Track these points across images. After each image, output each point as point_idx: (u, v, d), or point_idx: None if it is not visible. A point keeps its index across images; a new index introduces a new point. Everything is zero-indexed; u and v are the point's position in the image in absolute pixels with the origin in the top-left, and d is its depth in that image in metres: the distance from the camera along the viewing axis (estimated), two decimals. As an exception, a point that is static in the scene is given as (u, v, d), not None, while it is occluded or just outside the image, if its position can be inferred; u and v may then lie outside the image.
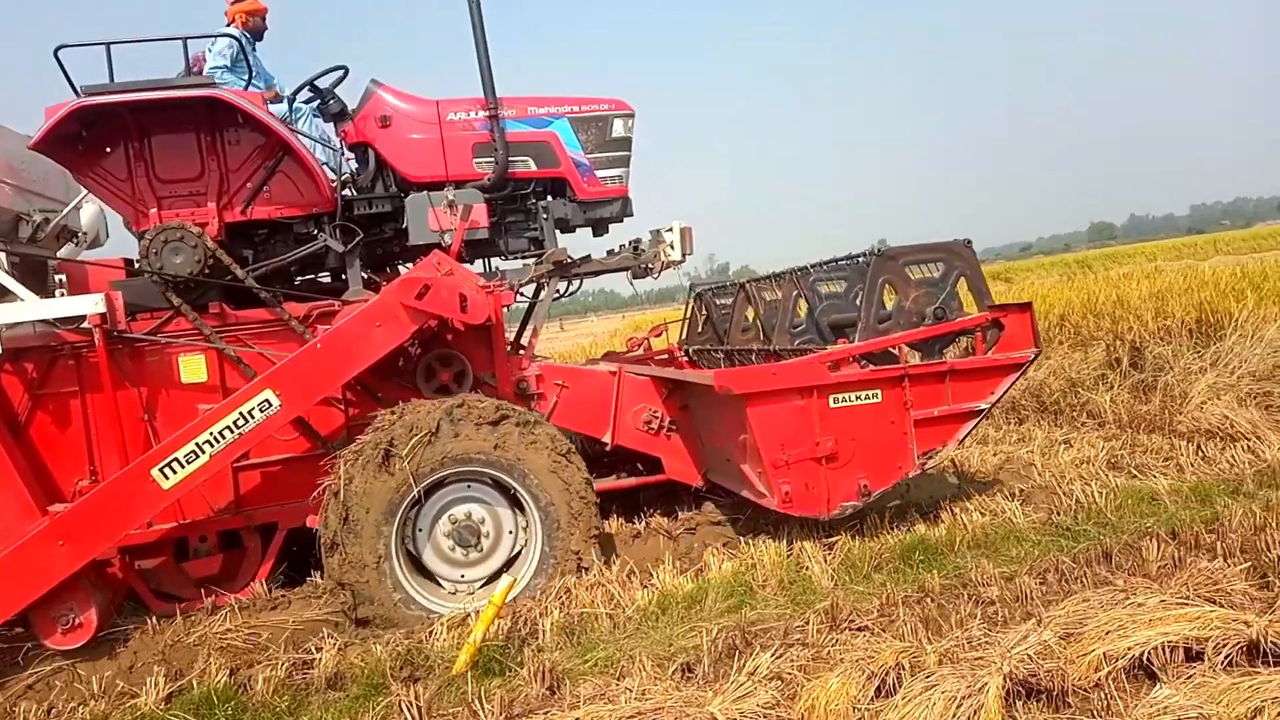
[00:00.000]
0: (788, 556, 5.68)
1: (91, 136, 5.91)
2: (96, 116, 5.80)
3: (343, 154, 6.81)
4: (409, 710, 4.16)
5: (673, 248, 6.80)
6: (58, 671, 5.30)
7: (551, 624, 5.12)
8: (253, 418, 5.48)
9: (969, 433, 5.69)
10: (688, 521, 6.55)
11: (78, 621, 5.48)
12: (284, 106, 6.67)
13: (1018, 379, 5.77)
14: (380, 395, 6.29)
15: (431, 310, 5.65)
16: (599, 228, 7.21)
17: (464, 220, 6.29)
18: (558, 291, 7.19)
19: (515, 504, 5.80)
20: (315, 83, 6.68)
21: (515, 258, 7.06)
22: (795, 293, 6.81)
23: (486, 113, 6.58)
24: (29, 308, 5.50)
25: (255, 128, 5.96)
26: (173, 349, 6.00)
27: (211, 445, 5.44)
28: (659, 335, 9.46)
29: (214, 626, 5.49)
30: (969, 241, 5.84)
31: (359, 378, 6.15)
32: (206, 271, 5.88)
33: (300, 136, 6.23)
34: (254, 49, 6.78)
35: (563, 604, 5.36)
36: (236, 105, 5.75)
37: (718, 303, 8.51)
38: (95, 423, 5.89)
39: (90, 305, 5.59)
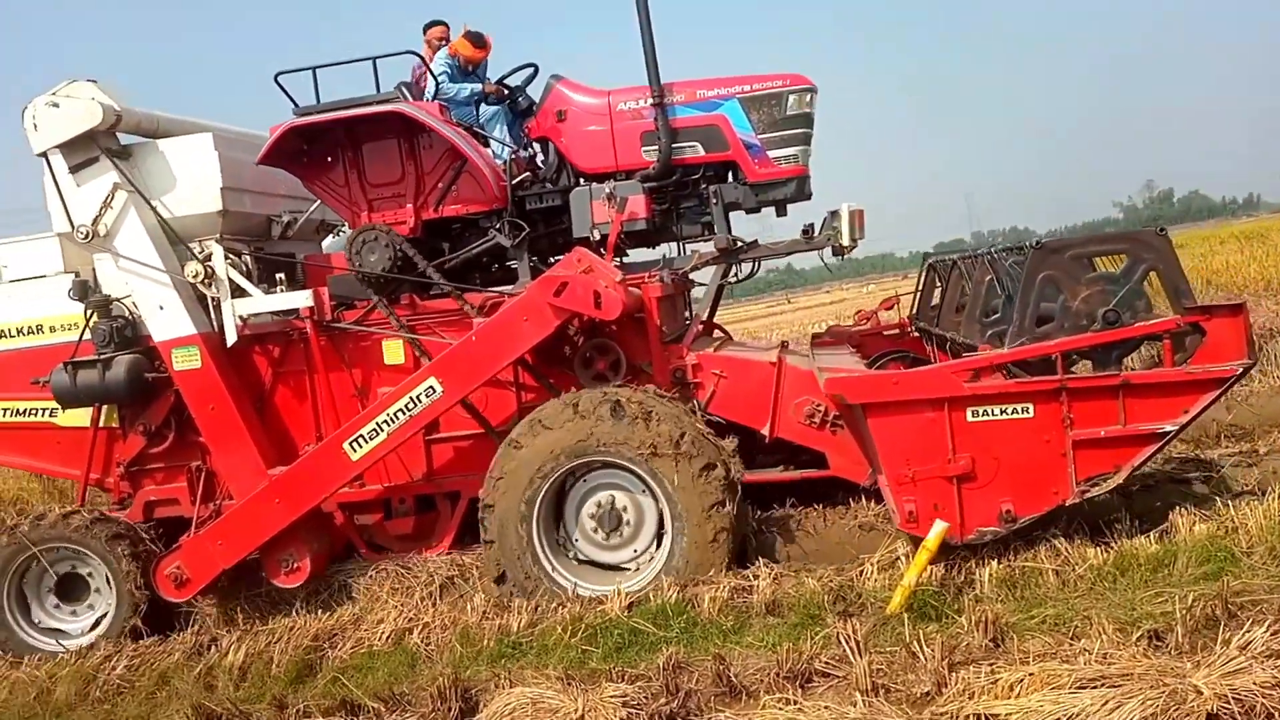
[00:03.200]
0: None
1: (313, 150, 6.81)
2: (315, 132, 6.68)
3: (530, 149, 7.16)
4: (847, 644, 4.30)
5: (841, 232, 6.36)
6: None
7: (990, 574, 5.07)
8: (420, 402, 6.11)
9: (1147, 460, 4.76)
10: (1146, 477, 6.10)
11: (296, 565, 6.54)
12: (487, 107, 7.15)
13: (1219, 397, 4.70)
14: (551, 381, 6.65)
15: (569, 306, 5.85)
16: (778, 209, 6.93)
17: (620, 212, 6.38)
18: (736, 276, 7.07)
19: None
20: (504, 81, 7.10)
21: (692, 242, 7.04)
22: (990, 276, 6.07)
23: (653, 100, 6.57)
24: (254, 302, 6.56)
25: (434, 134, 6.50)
26: (377, 336, 6.80)
27: (389, 424, 6.16)
28: (890, 309, 8.90)
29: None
30: (1163, 229, 4.82)
31: (530, 364, 6.58)
32: (398, 267, 6.57)
33: (474, 137, 6.67)
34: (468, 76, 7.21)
35: (1001, 555, 5.26)
36: (411, 116, 6.31)
37: (952, 275, 7.79)
38: (319, 398, 6.89)
39: (302, 300, 6.53)
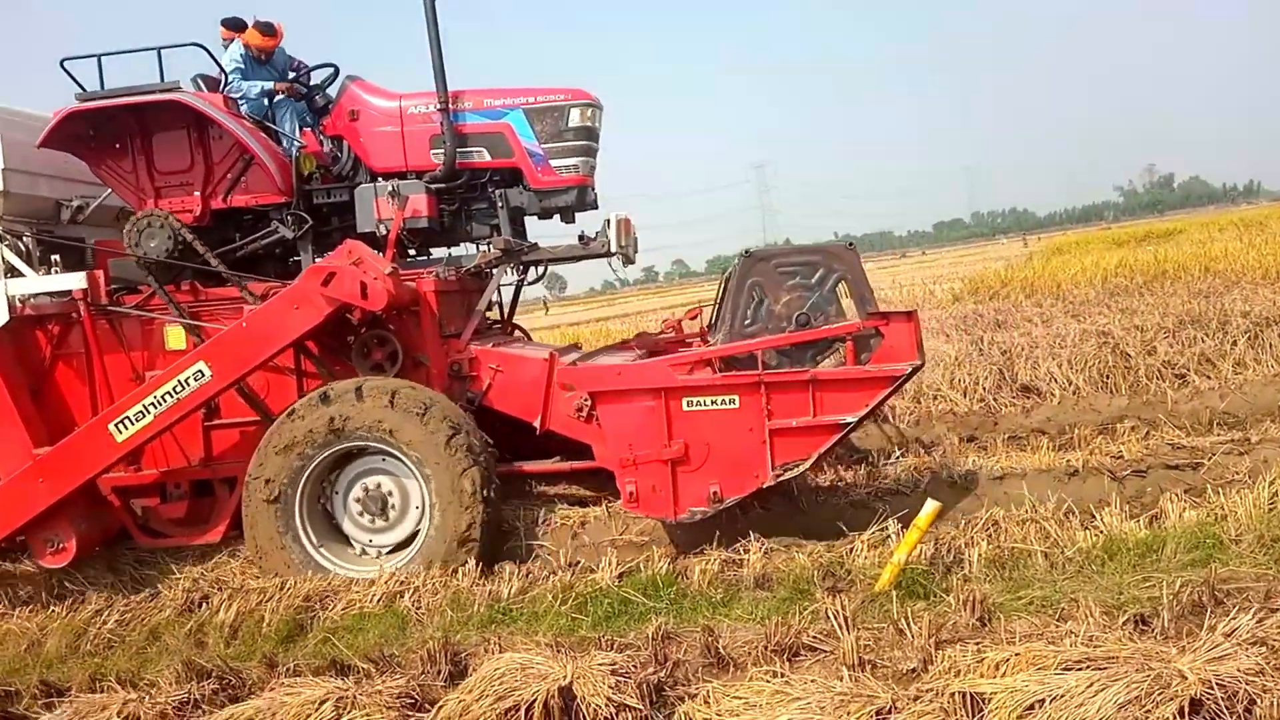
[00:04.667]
0: (1269, 511, 5.23)
1: (100, 135, 6.87)
2: (102, 118, 6.75)
3: (326, 146, 7.37)
4: (835, 619, 4.33)
5: (609, 240, 6.80)
6: (539, 549, 6.19)
7: (979, 555, 5.16)
8: (188, 385, 6.21)
9: (832, 446, 5.30)
10: (1137, 463, 6.36)
11: (62, 546, 6.52)
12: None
13: (892, 393, 5.28)
14: (334, 371, 6.85)
15: (336, 296, 6.08)
16: (563, 216, 7.33)
17: (401, 210, 6.66)
18: (522, 279, 7.43)
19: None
20: (301, 79, 7.31)
21: (484, 243, 7.36)
22: (750, 279, 6.57)
23: (439, 106, 6.89)
24: (26, 283, 6.57)
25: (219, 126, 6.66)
26: (159, 321, 6.88)
27: (156, 406, 6.24)
28: (694, 318, 9.37)
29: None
30: (852, 244, 5.40)
31: (313, 354, 6.77)
32: (178, 253, 6.68)
33: (265, 131, 6.86)
34: (262, 65, 7.39)
35: (991, 536, 5.38)
36: (192, 107, 6.47)
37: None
38: (96, 380, 6.90)
39: (75, 282, 6.58)
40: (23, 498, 6.34)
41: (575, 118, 7.02)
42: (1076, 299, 15.55)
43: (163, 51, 6.60)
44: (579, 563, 5.73)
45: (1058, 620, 4.09)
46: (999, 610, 4.34)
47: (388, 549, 6.33)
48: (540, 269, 7.45)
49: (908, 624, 4.12)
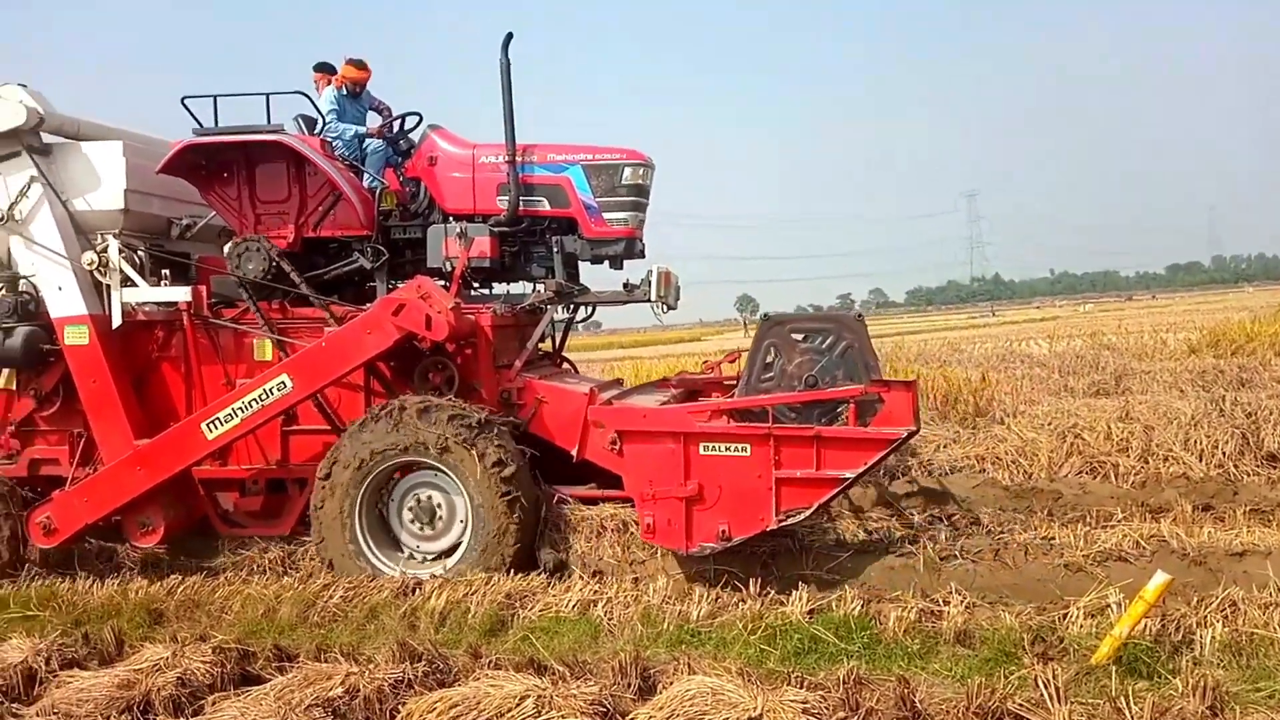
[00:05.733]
0: None
1: (211, 165, 7.80)
2: (213, 150, 7.67)
3: (405, 186, 8.19)
4: (1045, 688, 4.09)
5: (650, 289, 7.47)
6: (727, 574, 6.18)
7: (1213, 637, 4.81)
8: (272, 394, 7.06)
9: (832, 499, 5.85)
10: None
11: (152, 528, 7.45)
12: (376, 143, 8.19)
13: (889, 454, 5.81)
14: (394, 390, 7.63)
15: (404, 325, 6.85)
16: (611, 263, 8.02)
17: (467, 249, 7.42)
18: (571, 318, 8.15)
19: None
20: (391, 124, 8.16)
21: (536, 284, 8.10)
22: (766, 341, 7.17)
23: (507, 158, 7.65)
24: (139, 292, 7.51)
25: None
26: (250, 334, 7.76)
27: (243, 410, 7.10)
28: (733, 361, 9.99)
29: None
30: (860, 315, 5.96)
31: (382, 374, 7.57)
32: (271, 275, 7.54)
33: (353, 170, 7.70)
34: (355, 99, 8.29)
35: (1227, 618, 5.01)
36: (292, 148, 7.34)
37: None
38: (192, 383, 7.82)
39: (181, 295, 7.50)
40: (122, 482, 7.26)
41: (628, 175, 7.71)
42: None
43: (270, 96, 7.48)
44: (768, 593, 5.73)
45: (1300, 717, 3.67)
46: (1233, 700, 4.02)
47: (433, 556, 7.06)
48: (589, 309, 8.15)
49: (1127, 703, 3.88)
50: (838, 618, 5.24)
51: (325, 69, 8.10)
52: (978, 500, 7.44)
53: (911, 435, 5.87)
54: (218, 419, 7.11)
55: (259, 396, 7.06)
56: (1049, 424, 9.34)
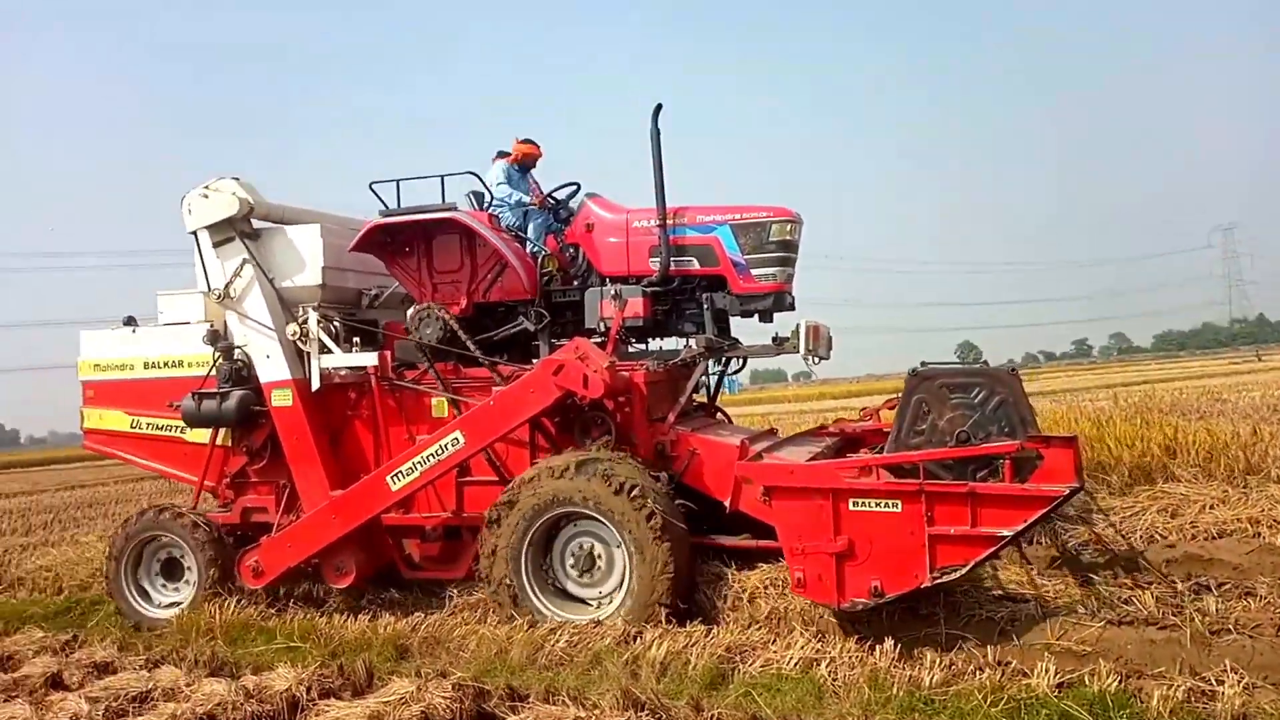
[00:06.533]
0: None
1: (395, 241, 8.61)
2: (396, 228, 8.47)
3: (568, 251, 8.74)
4: None
5: (799, 344, 7.62)
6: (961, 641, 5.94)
7: None
8: (447, 449, 7.68)
9: (988, 558, 5.75)
10: None
11: (346, 571, 8.21)
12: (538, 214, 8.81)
13: (1049, 512, 5.65)
14: (556, 444, 8.10)
15: (564, 384, 7.30)
16: (760, 317, 8.23)
17: (621, 310, 7.83)
18: (723, 370, 8.39)
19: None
20: (553, 194, 8.75)
21: (688, 340, 8.41)
22: (916, 395, 7.15)
23: (658, 222, 8.04)
24: (334, 358, 8.34)
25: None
26: (426, 394, 8.46)
27: (422, 464, 7.76)
28: (893, 408, 9.93)
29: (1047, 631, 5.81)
30: (1014, 369, 5.86)
31: (543, 426, 8.07)
32: (446, 339, 8.21)
33: (517, 240, 8.30)
34: (524, 174, 8.97)
35: None
36: (464, 224, 8.00)
37: None
38: (380, 439, 8.59)
39: (370, 359, 8.28)
40: (320, 529, 8.06)
41: (775, 232, 7.92)
42: None
43: (445, 179, 8.21)
44: (1009, 663, 5.45)
45: None
46: None
47: (594, 602, 7.41)
48: (740, 361, 8.37)
49: None
50: (1091, 693, 4.85)
51: (501, 154, 8.88)
52: (1252, 568, 6.75)
53: (1075, 493, 5.69)
54: (400, 471, 7.79)
55: (435, 451, 7.69)
56: (1335, 484, 8.29)
